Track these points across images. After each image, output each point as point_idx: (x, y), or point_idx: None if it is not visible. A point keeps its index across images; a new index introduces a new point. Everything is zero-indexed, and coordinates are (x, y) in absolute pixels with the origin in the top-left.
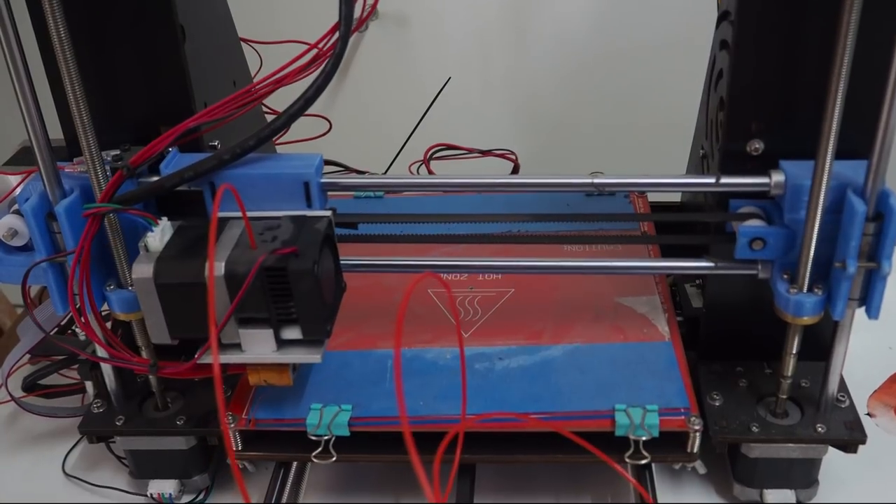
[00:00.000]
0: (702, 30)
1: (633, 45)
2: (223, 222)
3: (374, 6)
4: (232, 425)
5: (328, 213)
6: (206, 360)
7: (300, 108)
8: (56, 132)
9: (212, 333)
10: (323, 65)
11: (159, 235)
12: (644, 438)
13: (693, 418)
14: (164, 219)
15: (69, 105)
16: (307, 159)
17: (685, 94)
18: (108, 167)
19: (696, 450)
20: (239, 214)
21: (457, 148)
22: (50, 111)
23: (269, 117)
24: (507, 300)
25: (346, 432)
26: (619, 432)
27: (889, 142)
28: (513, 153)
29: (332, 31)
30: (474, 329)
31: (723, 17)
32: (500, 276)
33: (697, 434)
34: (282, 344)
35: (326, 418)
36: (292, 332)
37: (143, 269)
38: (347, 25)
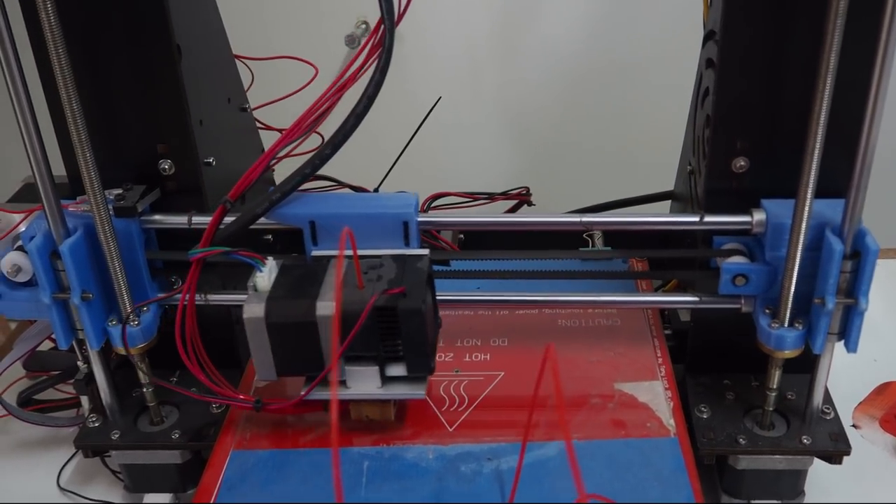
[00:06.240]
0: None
1: (621, 62)
2: (326, 261)
3: (402, 13)
4: None
5: (426, 251)
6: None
7: (365, 106)
8: (60, 166)
9: (333, 373)
10: (377, 62)
11: (267, 275)
12: None
13: None
14: (271, 258)
15: (73, 144)
16: (405, 199)
17: (678, 110)
18: (110, 206)
19: None
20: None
21: (461, 196)
22: (53, 144)
23: (263, 133)
24: (496, 385)
25: None
26: None
27: (865, 182)
28: (526, 189)
29: (375, 30)
30: (460, 421)
31: (708, 36)
32: (488, 358)
33: None
34: (386, 380)
35: None
36: (397, 369)
37: (254, 309)
38: (391, 18)
